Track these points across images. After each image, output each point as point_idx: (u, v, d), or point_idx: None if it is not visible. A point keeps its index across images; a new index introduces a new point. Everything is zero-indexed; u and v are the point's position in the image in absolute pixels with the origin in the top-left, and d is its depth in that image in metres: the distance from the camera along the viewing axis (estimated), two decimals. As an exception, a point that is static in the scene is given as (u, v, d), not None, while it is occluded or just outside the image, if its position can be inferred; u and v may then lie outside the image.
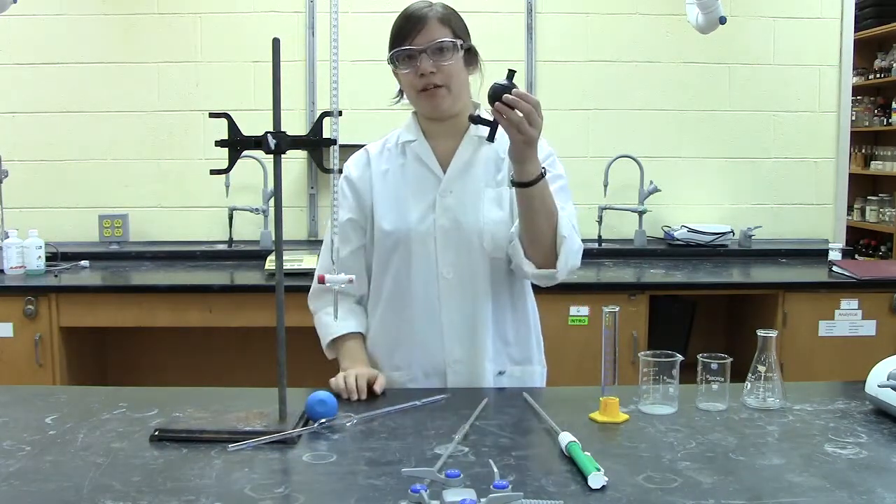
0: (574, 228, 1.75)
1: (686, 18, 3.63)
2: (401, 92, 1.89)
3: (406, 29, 1.76)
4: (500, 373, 1.86)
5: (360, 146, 1.96)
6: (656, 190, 3.86)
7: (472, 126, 1.83)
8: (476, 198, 1.83)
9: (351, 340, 1.87)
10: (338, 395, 1.62)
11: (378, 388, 1.72)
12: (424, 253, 1.82)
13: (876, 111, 6.44)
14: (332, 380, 1.72)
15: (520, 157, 1.62)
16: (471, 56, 1.83)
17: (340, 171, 1.58)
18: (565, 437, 1.37)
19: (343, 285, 1.58)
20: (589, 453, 1.29)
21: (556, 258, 1.71)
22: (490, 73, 1.85)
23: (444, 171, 1.84)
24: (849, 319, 3.25)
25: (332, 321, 1.80)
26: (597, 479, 1.22)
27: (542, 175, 1.65)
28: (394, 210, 1.84)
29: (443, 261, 1.82)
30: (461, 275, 1.82)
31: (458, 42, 1.77)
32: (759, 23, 3.98)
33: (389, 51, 1.79)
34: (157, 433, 1.43)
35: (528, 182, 1.64)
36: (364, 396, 1.68)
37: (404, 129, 1.91)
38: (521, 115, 1.56)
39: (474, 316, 1.83)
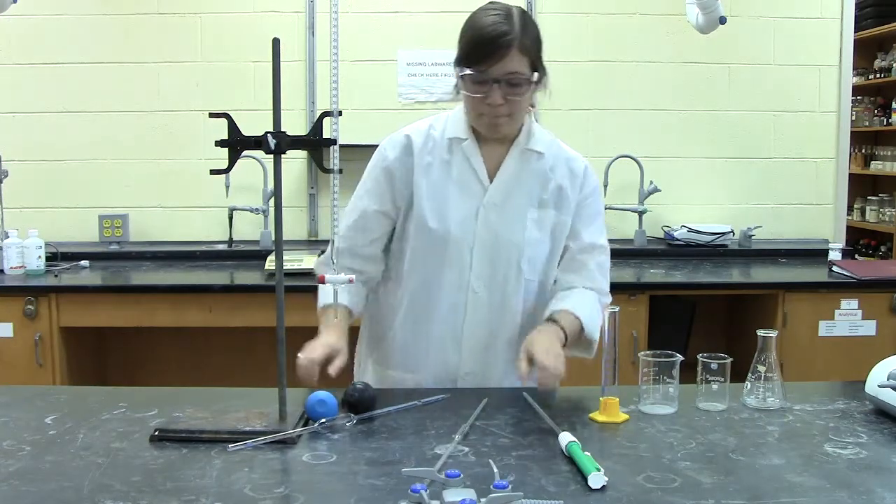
0: (599, 304, 1.83)
1: (686, 18, 3.63)
2: (458, 89, 1.78)
3: (484, 53, 1.64)
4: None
5: (360, 146, 1.95)
6: (656, 190, 3.86)
7: (523, 135, 1.80)
8: (520, 215, 1.79)
9: (332, 309, 1.77)
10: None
11: (333, 370, 1.65)
12: (459, 262, 1.78)
13: (876, 111, 6.44)
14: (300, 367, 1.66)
15: None
16: (541, 77, 1.72)
17: (340, 171, 1.57)
18: (565, 437, 1.37)
19: (343, 284, 1.57)
20: (589, 453, 1.29)
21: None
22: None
23: (490, 179, 1.79)
24: (849, 319, 3.25)
25: (329, 290, 1.72)
26: (597, 479, 1.22)
27: (566, 339, 1.73)
28: (438, 208, 1.77)
29: (476, 274, 1.79)
30: (491, 291, 1.80)
31: (535, 77, 1.68)
32: (759, 23, 3.98)
33: (460, 62, 1.69)
34: (157, 433, 1.43)
35: None
36: (315, 378, 1.61)
37: (452, 122, 1.81)
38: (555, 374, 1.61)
39: (496, 333, 1.82)
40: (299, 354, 1.65)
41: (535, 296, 1.84)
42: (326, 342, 1.70)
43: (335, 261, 1.63)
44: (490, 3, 1.72)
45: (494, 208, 1.78)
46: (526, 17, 1.69)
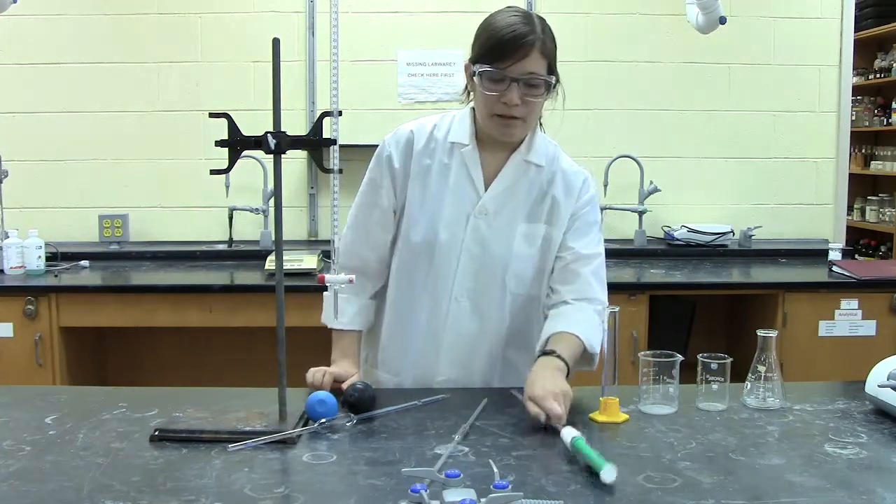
0: (597, 315, 1.73)
1: (686, 18, 3.62)
2: (468, 92, 1.79)
3: (506, 51, 1.63)
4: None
5: (360, 146, 1.95)
6: (656, 190, 3.86)
7: (523, 145, 1.79)
8: (510, 228, 1.77)
9: (349, 335, 1.85)
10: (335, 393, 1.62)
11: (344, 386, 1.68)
12: (444, 269, 1.77)
13: (876, 111, 6.44)
14: (309, 373, 1.72)
15: None
16: (556, 82, 1.75)
17: (340, 171, 1.57)
18: (568, 433, 1.36)
19: (344, 285, 1.58)
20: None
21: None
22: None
23: (486, 187, 1.77)
24: (849, 319, 3.25)
25: (343, 307, 1.78)
26: (610, 473, 1.21)
27: (567, 368, 1.62)
28: (426, 218, 1.77)
29: (460, 286, 1.78)
30: (475, 303, 1.79)
31: (552, 80, 1.71)
32: (759, 23, 3.98)
33: (477, 60, 1.68)
34: (157, 433, 1.43)
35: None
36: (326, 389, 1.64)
37: (456, 126, 1.80)
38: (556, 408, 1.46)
39: (477, 344, 1.81)
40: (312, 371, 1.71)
41: (522, 309, 1.82)
42: (344, 370, 1.77)
43: (332, 262, 1.63)
44: (508, 6, 1.73)
45: (485, 218, 1.77)
46: (544, 22, 1.71)
